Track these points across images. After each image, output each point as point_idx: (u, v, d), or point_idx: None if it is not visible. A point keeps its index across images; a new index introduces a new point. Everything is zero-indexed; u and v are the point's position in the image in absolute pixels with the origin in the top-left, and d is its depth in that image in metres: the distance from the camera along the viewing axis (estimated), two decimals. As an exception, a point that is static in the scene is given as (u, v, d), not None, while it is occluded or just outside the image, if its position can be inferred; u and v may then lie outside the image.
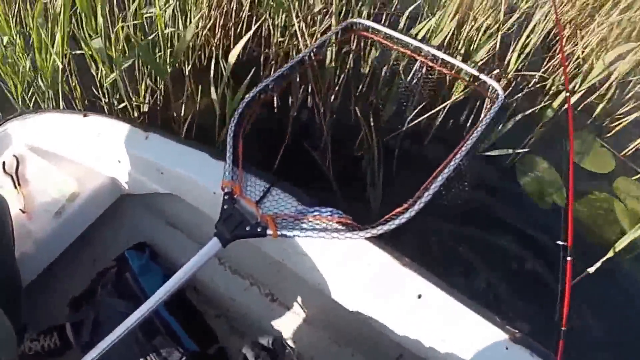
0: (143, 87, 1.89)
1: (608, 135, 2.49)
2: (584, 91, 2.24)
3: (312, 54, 1.28)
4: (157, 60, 1.71)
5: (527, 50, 2.26)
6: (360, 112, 1.89)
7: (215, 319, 1.33)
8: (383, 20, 2.62)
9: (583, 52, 2.53)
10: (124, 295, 1.16)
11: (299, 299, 1.32)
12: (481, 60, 2.08)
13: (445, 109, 2.07)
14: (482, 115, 1.17)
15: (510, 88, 2.25)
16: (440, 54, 1.26)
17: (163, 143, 1.12)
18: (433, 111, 2.01)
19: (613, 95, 2.51)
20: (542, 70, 2.46)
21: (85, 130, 1.22)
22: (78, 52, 1.85)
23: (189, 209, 1.17)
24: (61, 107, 1.79)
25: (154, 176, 1.14)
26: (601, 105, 2.49)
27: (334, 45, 1.47)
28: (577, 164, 2.27)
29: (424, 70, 1.48)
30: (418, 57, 1.30)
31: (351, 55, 2.15)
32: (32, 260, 1.14)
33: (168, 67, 1.73)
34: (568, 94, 1.34)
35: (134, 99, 1.89)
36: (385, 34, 1.32)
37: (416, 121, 2.01)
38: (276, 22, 2.05)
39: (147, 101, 1.95)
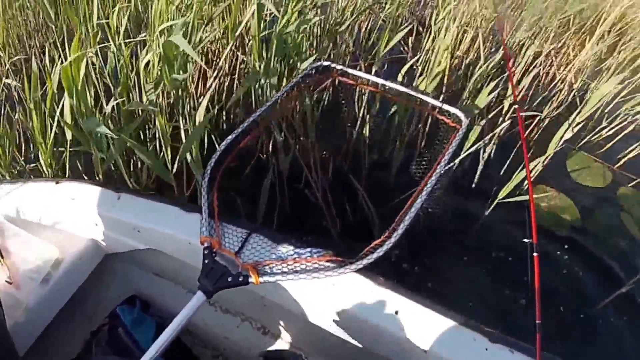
0: (144, 175, 1.83)
1: (601, 150, 2.60)
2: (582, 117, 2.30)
3: (283, 96, 1.31)
4: (159, 158, 1.63)
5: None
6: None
7: (213, 359, 1.36)
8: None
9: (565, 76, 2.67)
10: (118, 352, 1.18)
11: (288, 328, 1.36)
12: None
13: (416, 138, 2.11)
14: (448, 143, 1.24)
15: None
16: (405, 89, 1.32)
17: (134, 202, 1.17)
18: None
19: (601, 115, 2.65)
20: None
21: (59, 197, 1.24)
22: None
23: (171, 260, 1.21)
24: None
25: (131, 234, 1.18)
26: (589, 124, 2.62)
27: (309, 88, 1.50)
28: (577, 182, 2.36)
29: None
30: (388, 96, 1.36)
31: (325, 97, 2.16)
32: (24, 329, 1.14)
33: (172, 169, 1.63)
34: (517, 106, 1.39)
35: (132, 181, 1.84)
36: (353, 75, 1.37)
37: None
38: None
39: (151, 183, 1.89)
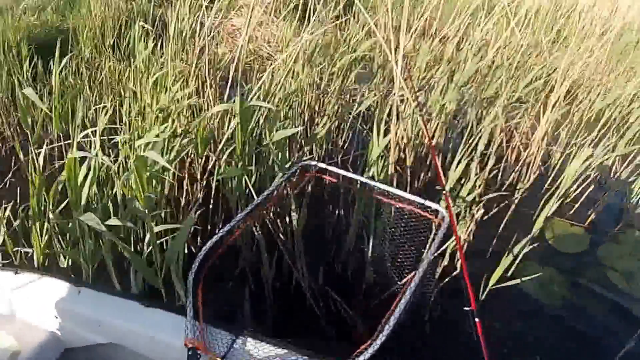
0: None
1: (571, 212, 2.66)
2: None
3: (269, 197, 1.37)
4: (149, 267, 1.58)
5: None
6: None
7: None
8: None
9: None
10: None
11: None
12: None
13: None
14: (431, 239, 1.26)
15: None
16: (387, 188, 1.37)
17: (95, 296, 1.20)
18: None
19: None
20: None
21: (19, 288, 1.23)
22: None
23: (133, 356, 1.18)
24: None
25: (92, 328, 1.17)
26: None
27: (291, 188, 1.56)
28: (558, 250, 2.38)
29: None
30: (372, 195, 1.41)
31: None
32: None
33: (160, 276, 1.60)
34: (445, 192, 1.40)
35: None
36: (337, 174, 1.43)
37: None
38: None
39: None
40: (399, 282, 1.51)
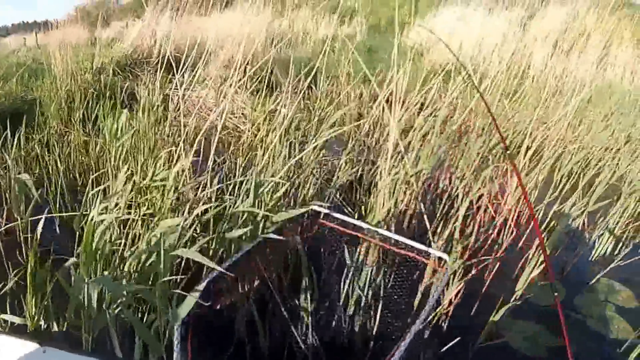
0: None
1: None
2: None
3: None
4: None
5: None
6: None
7: None
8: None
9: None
10: None
11: None
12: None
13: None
14: (434, 288, 1.33)
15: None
16: (394, 236, 1.46)
17: (61, 356, 1.15)
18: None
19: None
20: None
21: None
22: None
23: None
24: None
25: None
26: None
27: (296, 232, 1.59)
28: (538, 305, 2.46)
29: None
30: (379, 243, 1.48)
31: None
32: None
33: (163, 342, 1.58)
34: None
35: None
36: (343, 221, 1.50)
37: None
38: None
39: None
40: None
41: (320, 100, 3.63)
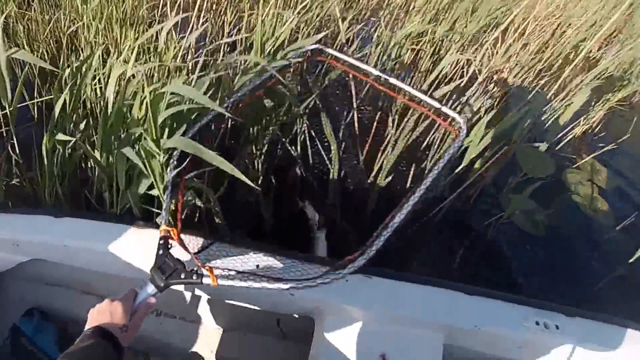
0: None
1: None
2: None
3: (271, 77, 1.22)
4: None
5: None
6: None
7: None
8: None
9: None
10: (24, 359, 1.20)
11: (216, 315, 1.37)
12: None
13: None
14: (445, 151, 1.14)
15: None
16: (402, 85, 1.19)
17: (5, 217, 1.11)
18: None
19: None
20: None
21: None
22: None
23: (57, 267, 1.15)
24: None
25: (11, 249, 1.12)
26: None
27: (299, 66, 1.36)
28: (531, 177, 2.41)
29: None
30: (381, 87, 1.22)
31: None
32: None
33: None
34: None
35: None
36: (349, 63, 1.23)
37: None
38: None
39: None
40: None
41: None
